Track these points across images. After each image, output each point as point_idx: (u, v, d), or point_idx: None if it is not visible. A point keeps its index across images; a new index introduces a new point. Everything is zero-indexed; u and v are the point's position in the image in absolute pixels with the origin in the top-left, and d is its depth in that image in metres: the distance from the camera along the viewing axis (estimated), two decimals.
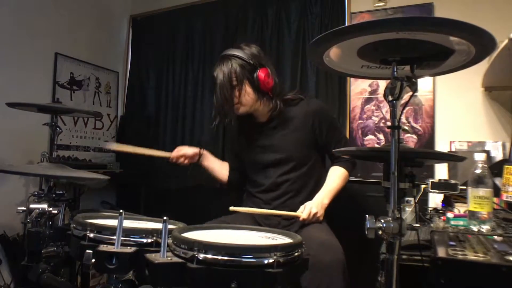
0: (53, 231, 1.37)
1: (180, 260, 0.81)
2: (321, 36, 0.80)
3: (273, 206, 1.60)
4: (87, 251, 0.91)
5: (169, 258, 0.82)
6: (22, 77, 2.39)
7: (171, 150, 2.86)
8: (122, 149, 1.83)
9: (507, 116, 1.96)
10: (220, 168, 1.87)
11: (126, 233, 0.95)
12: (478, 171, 1.23)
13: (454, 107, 2.09)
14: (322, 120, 1.61)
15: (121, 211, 0.91)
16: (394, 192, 0.82)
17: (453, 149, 2.00)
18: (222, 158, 2.44)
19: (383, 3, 2.27)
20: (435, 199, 1.84)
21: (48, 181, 1.53)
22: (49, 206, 1.41)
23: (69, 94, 2.75)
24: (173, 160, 1.77)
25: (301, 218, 1.46)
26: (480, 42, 0.75)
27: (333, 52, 0.89)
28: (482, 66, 1.59)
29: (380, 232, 0.82)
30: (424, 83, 2.13)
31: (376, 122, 2.26)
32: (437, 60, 0.86)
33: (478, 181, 1.22)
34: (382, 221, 0.82)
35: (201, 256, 0.79)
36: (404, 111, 0.86)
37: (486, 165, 1.24)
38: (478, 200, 1.21)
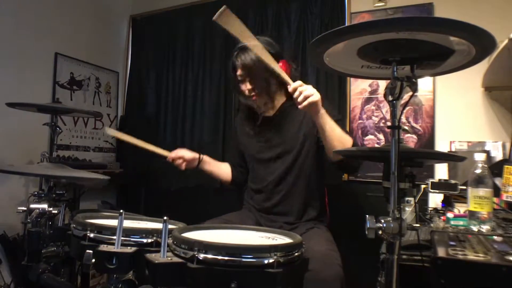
0: (53, 231, 1.37)
1: (180, 260, 0.81)
2: (321, 36, 0.80)
3: (274, 201, 1.60)
4: (87, 251, 0.91)
5: (169, 258, 0.82)
6: (22, 77, 2.39)
7: (171, 150, 2.89)
8: (122, 137, 1.80)
9: (507, 116, 1.96)
10: (222, 169, 1.85)
11: (126, 233, 0.95)
12: (478, 171, 1.23)
13: (454, 107, 2.09)
14: (328, 113, 1.58)
15: (121, 211, 0.91)
16: (394, 192, 0.82)
17: (453, 149, 2.00)
18: (222, 158, 2.45)
19: (383, 3, 2.27)
20: (435, 199, 1.85)
21: (48, 181, 1.53)
22: (49, 206, 1.42)
23: (69, 94, 2.75)
24: (170, 160, 1.73)
25: (291, 86, 1.34)
26: (480, 42, 0.75)
27: (333, 52, 0.89)
28: (482, 66, 1.59)
29: (380, 232, 0.82)
30: (424, 83, 2.13)
31: (376, 122, 2.26)
32: (437, 60, 0.86)
33: (478, 181, 1.22)
34: (382, 221, 0.81)
35: (201, 256, 0.80)
36: (404, 111, 0.86)
37: (486, 165, 1.24)
38: (478, 200, 1.21)
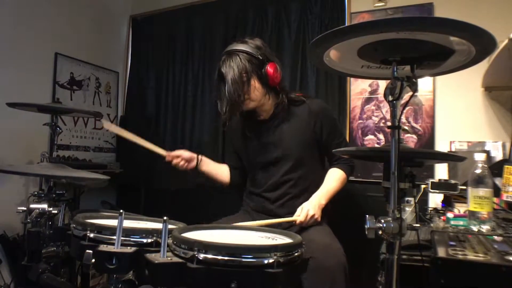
0: (53, 231, 1.37)
1: (180, 260, 0.81)
2: (321, 36, 0.80)
3: (274, 204, 1.59)
4: (87, 251, 0.91)
5: (169, 258, 0.82)
6: (22, 77, 2.39)
7: (171, 150, 2.89)
8: (119, 133, 1.78)
9: (507, 116, 1.96)
10: (220, 171, 1.84)
11: (126, 233, 0.95)
12: (478, 171, 1.23)
13: (454, 107, 2.08)
14: (324, 121, 1.61)
15: (121, 211, 0.91)
16: (394, 192, 0.82)
17: (453, 149, 2.00)
18: (222, 158, 2.45)
19: (383, 3, 2.27)
20: (435, 199, 1.85)
21: (48, 181, 1.53)
22: (49, 206, 1.42)
23: (69, 94, 2.75)
24: (168, 159, 1.71)
25: (298, 222, 1.45)
26: (480, 42, 0.75)
27: (333, 52, 0.89)
28: (482, 66, 1.59)
29: (380, 232, 0.82)
30: (424, 83, 2.13)
31: (376, 122, 2.26)
32: (437, 60, 0.86)
33: (478, 181, 1.22)
34: (382, 221, 0.82)
35: (201, 256, 0.80)
36: (404, 111, 0.86)
37: (486, 165, 1.24)
38: (478, 200, 1.21)
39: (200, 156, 1.76)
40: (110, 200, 3.02)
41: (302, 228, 1.48)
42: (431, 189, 1.49)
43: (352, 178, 2.26)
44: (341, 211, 1.82)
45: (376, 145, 2.21)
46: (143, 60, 3.12)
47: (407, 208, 1.47)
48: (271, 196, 1.61)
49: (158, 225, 1.03)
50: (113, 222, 0.98)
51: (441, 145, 2.09)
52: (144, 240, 0.97)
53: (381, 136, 2.25)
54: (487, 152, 1.85)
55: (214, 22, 2.81)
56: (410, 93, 0.84)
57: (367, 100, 2.28)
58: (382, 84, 2.19)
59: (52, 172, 1.40)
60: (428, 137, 2.12)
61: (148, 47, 3.10)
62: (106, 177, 1.56)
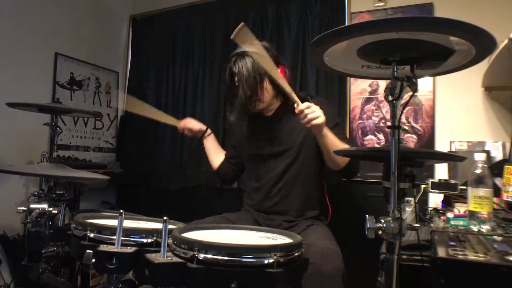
0: (53, 231, 1.37)
1: (180, 260, 0.81)
2: (321, 36, 0.80)
3: (273, 199, 1.60)
4: (87, 251, 0.91)
5: (169, 258, 0.82)
6: (22, 77, 2.39)
7: (171, 150, 2.89)
8: (130, 108, 1.86)
9: (507, 116, 1.96)
10: (216, 153, 1.88)
11: (126, 233, 0.95)
12: (478, 171, 1.23)
13: (454, 107, 2.08)
14: (327, 118, 1.60)
15: (121, 211, 0.91)
16: (394, 192, 0.82)
17: (453, 149, 2.00)
18: None
19: (383, 3, 2.27)
20: (435, 199, 1.85)
21: (48, 181, 1.53)
22: (49, 206, 1.42)
23: (69, 94, 2.75)
24: (180, 130, 1.84)
25: (298, 108, 1.37)
26: (480, 42, 0.75)
27: (333, 52, 0.89)
28: (482, 66, 1.59)
29: (380, 232, 0.82)
30: (424, 83, 2.13)
31: (376, 122, 2.26)
32: (437, 60, 0.86)
33: (478, 181, 1.22)
34: (382, 221, 0.82)
35: (201, 256, 0.80)
36: (404, 111, 0.86)
37: (486, 165, 1.24)
38: (478, 200, 1.21)
39: (208, 130, 1.85)
40: (110, 200, 3.02)
41: (301, 230, 1.48)
42: (431, 189, 1.49)
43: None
44: (341, 211, 1.82)
45: (376, 145, 2.21)
46: (143, 60, 3.12)
47: (407, 208, 1.47)
48: (271, 190, 1.61)
49: (158, 225, 1.03)
50: (113, 222, 0.98)
51: (441, 145, 2.09)
52: (144, 240, 0.97)
53: (381, 136, 2.25)
54: (487, 152, 1.85)
55: (214, 22, 2.81)
56: (410, 93, 0.84)
57: (367, 100, 2.28)
58: (382, 84, 2.19)
59: (52, 172, 1.40)
60: (428, 137, 2.12)
61: (148, 47, 3.10)
62: (106, 177, 1.56)
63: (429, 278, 0.81)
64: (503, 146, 1.88)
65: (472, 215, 1.22)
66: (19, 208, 1.44)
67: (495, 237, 1.05)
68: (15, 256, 2.16)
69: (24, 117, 1.97)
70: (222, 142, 2.67)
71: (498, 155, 1.87)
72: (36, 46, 2.49)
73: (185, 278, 0.79)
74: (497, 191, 1.42)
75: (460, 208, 1.50)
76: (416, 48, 0.80)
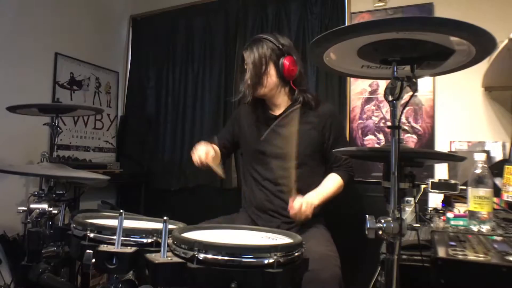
0: (53, 231, 1.37)
1: (180, 260, 0.81)
2: (321, 36, 0.80)
3: (273, 199, 1.60)
4: (87, 251, 0.91)
5: (169, 258, 0.82)
6: (22, 77, 2.39)
7: (170, 150, 2.89)
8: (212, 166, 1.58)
9: (507, 116, 1.96)
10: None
11: (126, 233, 0.95)
12: (478, 171, 1.23)
13: (454, 107, 2.08)
14: (333, 125, 1.63)
15: (121, 211, 0.91)
16: (394, 192, 0.82)
17: (453, 149, 2.00)
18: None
19: (383, 3, 2.27)
20: (435, 199, 1.84)
21: (48, 181, 1.53)
22: (49, 206, 1.41)
23: (69, 94, 2.75)
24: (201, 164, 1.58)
25: (291, 213, 1.44)
26: (480, 42, 0.75)
27: (333, 52, 0.89)
28: (482, 66, 1.59)
29: (380, 232, 0.82)
30: (424, 83, 2.13)
31: (376, 122, 2.26)
32: (437, 60, 0.86)
33: (478, 181, 1.22)
34: (382, 221, 0.81)
35: (201, 256, 0.80)
36: (404, 111, 0.86)
37: (486, 165, 1.24)
38: (478, 200, 1.21)
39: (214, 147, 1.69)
40: (110, 200, 3.02)
41: (300, 231, 1.48)
42: (431, 189, 1.49)
43: None
44: (341, 211, 1.82)
45: (376, 145, 2.21)
46: (143, 60, 3.12)
47: (407, 208, 1.47)
48: (271, 189, 1.61)
49: (158, 225, 1.03)
50: (113, 222, 0.98)
51: (441, 145, 2.09)
52: (144, 240, 0.97)
53: (381, 136, 2.25)
54: (487, 152, 1.84)
55: (214, 22, 2.81)
56: (410, 93, 0.84)
57: (367, 100, 2.28)
58: (382, 84, 2.18)
59: (52, 172, 1.40)
60: (428, 137, 2.12)
61: (148, 47, 3.10)
62: (106, 177, 1.55)
63: (429, 278, 0.81)
64: (503, 146, 1.88)
65: (472, 215, 1.22)
66: (19, 208, 1.44)
67: (495, 237, 1.05)
68: (15, 256, 2.16)
69: (24, 117, 1.97)
70: None
71: (498, 155, 1.87)
72: (36, 46, 2.49)
73: (185, 278, 0.79)
74: (497, 191, 1.42)
75: (460, 208, 1.50)
76: (416, 48, 0.80)
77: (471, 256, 0.81)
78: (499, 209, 1.46)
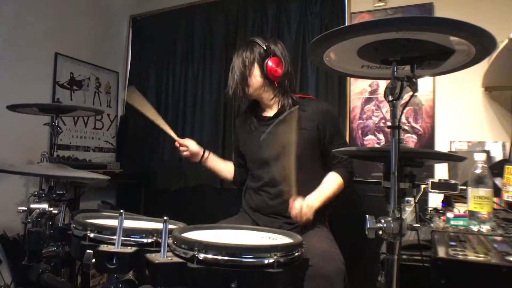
0: (53, 231, 1.37)
1: (180, 260, 0.81)
2: (321, 36, 0.80)
3: (274, 201, 1.60)
4: (88, 251, 0.91)
5: (169, 258, 0.82)
6: (22, 77, 2.39)
7: (170, 150, 2.89)
8: (139, 107, 1.85)
9: (507, 116, 1.96)
10: (225, 169, 1.90)
11: (126, 233, 0.95)
12: (478, 171, 1.23)
13: (454, 107, 2.08)
14: (328, 122, 1.63)
15: (121, 211, 0.91)
16: (394, 192, 0.82)
17: (453, 149, 2.00)
18: (222, 157, 2.45)
19: (383, 3, 2.27)
20: (435, 199, 1.84)
21: (48, 181, 1.53)
22: (49, 206, 1.41)
23: (69, 94, 2.75)
24: (177, 144, 1.81)
25: (292, 214, 1.44)
26: (480, 42, 0.75)
27: (333, 52, 0.89)
28: (482, 66, 1.59)
29: (380, 232, 0.82)
30: (424, 83, 2.13)
31: (376, 122, 2.26)
32: (437, 60, 0.86)
33: (478, 181, 1.22)
34: (383, 221, 0.81)
35: (201, 256, 0.80)
36: (404, 111, 0.86)
37: (486, 165, 1.24)
38: (478, 200, 1.21)
39: (206, 153, 1.83)
40: (110, 200, 3.02)
41: (302, 231, 1.48)
42: (431, 189, 1.49)
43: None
44: (341, 211, 1.82)
45: (376, 145, 2.21)
46: (143, 60, 3.12)
47: (407, 208, 1.47)
48: (271, 191, 1.61)
49: (158, 225, 1.03)
50: (113, 222, 0.98)
51: (441, 145, 2.09)
52: (144, 240, 0.97)
53: (381, 136, 2.25)
54: (487, 152, 1.84)
55: (214, 22, 2.81)
56: (410, 93, 0.84)
57: (367, 100, 2.28)
58: (382, 84, 2.18)
59: (52, 172, 1.40)
60: (428, 137, 2.12)
61: (148, 47, 3.10)
62: (106, 177, 1.55)
63: (429, 278, 0.81)
64: (503, 146, 1.88)
65: (472, 215, 1.22)
66: (19, 208, 1.44)
67: (496, 237, 1.05)
68: (15, 256, 2.16)
69: (24, 117, 1.96)
70: (223, 142, 2.67)
71: (498, 155, 1.87)
72: (36, 46, 2.49)
73: (185, 278, 0.79)
74: (497, 191, 1.42)
75: (460, 208, 1.50)
76: (416, 48, 0.80)
77: (471, 256, 0.81)
78: (499, 209, 1.46)
